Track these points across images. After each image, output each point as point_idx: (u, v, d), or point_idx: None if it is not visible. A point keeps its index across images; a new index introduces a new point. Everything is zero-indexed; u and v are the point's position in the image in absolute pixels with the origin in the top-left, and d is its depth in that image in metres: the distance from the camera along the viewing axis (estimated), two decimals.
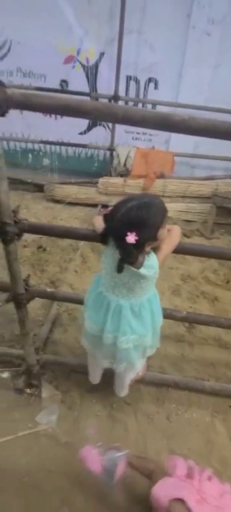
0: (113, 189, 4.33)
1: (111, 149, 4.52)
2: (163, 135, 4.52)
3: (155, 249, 1.28)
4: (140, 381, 1.88)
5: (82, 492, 1.50)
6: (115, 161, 4.51)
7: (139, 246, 1.12)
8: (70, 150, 4.82)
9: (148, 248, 1.20)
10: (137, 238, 1.07)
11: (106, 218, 1.21)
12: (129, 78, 4.25)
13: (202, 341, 2.26)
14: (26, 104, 0.98)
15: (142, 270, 1.22)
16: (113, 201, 4.24)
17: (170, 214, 4.05)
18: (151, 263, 1.23)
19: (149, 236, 1.15)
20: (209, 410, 1.82)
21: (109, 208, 1.23)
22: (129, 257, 1.15)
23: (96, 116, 0.98)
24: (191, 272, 2.98)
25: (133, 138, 4.64)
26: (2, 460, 1.60)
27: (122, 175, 4.48)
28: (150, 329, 1.42)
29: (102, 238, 1.27)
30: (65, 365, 2.02)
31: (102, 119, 0.98)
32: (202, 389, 1.88)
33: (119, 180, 4.34)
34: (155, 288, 1.43)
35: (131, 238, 1.07)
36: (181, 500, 1.01)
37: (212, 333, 2.26)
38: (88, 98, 4.18)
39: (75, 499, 1.48)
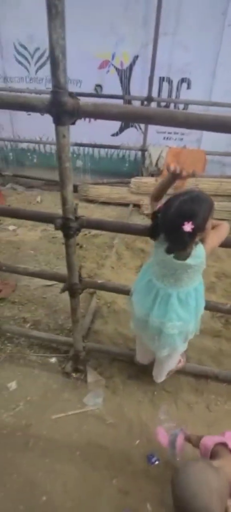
0: (145, 188, 4.43)
1: (143, 149, 4.62)
2: (195, 134, 4.56)
3: (202, 241, 1.36)
4: (179, 371, 1.98)
5: (129, 469, 1.63)
6: (147, 161, 4.61)
7: (192, 236, 1.22)
8: (103, 151, 4.98)
9: (197, 239, 1.29)
10: (193, 226, 1.17)
11: (156, 214, 1.32)
12: (161, 79, 4.33)
13: None
14: (95, 113, 1.12)
15: (189, 260, 1.32)
16: (144, 200, 4.34)
17: None
18: (198, 253, 1.32)
19: (200, 227, 1.23)
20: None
21: (159, 206, 1.34)
22: (183, 245, 1.26)
23: (158, 121, 1.10)
24: (226, 270, 3.02)
25: (164, 138, 4.71)
26: (57, 434, 1.77)
27: (153, 175, 4.58)
28: (194, 316, 1.53)
29: (152, 232, 1.39)
30: (108, 353, 2.16)
31: (164, 123, 1.07)
32: None
33: (150, 180, 4.44)
34: (201, 277, 1.53)
35: (188, 227, 1.16)
36: (224, 444, 1.13)
37: None
38: (121, 101, 4.31)
39: (123, 474, 1.61)
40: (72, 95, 1.04)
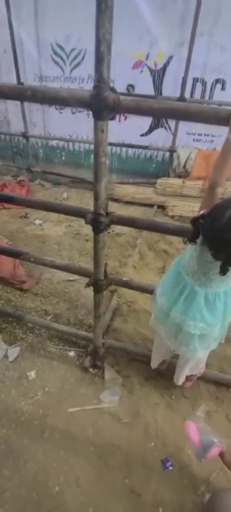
0: (171, 189, 4.38)
1: (172, 150, 4.56)
2: (225, 136, 4.40)
3: None
4: (199, 378, 1.93)
5: (143, 471, 1.61)
6: (175, 162, 4.55)
7: None
8: (130, 151, 4.97)
9: None
10: None
11: (199, 220, 1.21)
12: (195, 80, 4.25)
13: None
14: (135, 108, 1.11)
15: None
16: (170, 201, 4.28)
17: None
18: None
19: None
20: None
21: (202, 212, 1.22)
22: (229, 259, 1.15)
23: (199, 118, 1.08)
24: None
25: (194, 140, 4.62)
26: (72, 427, 1.79)
27: (180, 176, 4.51)
28: (220, 320, 1.45)
29: (193, 239, 1.27)
30: (126, 351, 2.15)
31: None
32: None
33: (177, 181, 4.37)
34: None
35: None
36: None
37: None
38: None
39: (136, 476, 1.59)
40: (114, 90, 1.05)
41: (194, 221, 1.24)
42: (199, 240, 1.26)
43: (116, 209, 4.48)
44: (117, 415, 1.85)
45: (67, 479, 1.57)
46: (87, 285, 1.70)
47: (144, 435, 1.76)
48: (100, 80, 1.02)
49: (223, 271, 1.18)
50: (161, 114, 1.13)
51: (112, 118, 1.11)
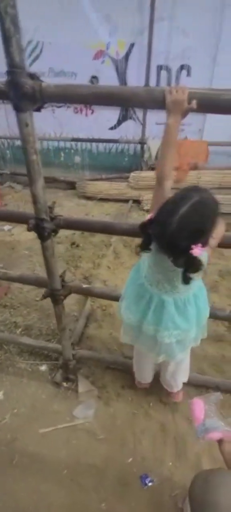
0: (145, 183, 4.26)
1: (142, 142, 4.44)
2: (196, 124, 4.35)
3: None
4: None
5: (120, 490, 1.49)
6: (146, 155, 4.43)
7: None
8: (101, 146, 4.81)
9: None
10: (202, 247, 0.96)
11: (149, 226, 1.06)
12: (159, 68, 4.10)
13: None
14: (62, 96, 0.96)
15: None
16: (144, 195, 4.17)
17: None
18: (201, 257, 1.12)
19: (208, 239, 1.03)
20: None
21: (149, 217, 1.08)
22: (195, 267, 0.99)
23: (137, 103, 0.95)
24: (230, 268, 2.84)
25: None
26: (43, 449, 1.64)
27: (153, 169, 4.39)
28: (194, 323, 1.35)
29: (145, 246, 1.12)
30: (101, 360, 2.02)
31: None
32: None
33: (150, 174, 4.26)
34: (201, 281, 1.36)
35: (198, 251, 0.94)
36: None
37: None
38: None
39: (113, 496, 1.46)
40: (34, 76, 0.89)
41: (142, 227, 1.09)
42: (153, 247, 1.12)
43: (90, 207, 4.33)
44: (92, 431, 1.71)
45: (38, 508, 1.43)
46: (43, 296, 1.54)
47: (121, 450, 1.64)
48: (12, 64, 0.86)
49: (185, 280, 1.05)
50: (93, 100, 0.97)
51: (39, 110, 0.95)
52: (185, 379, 1.71)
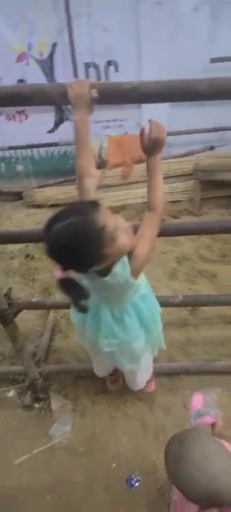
0: None
1: None
2: (134, 118, 4.40)
3: (130, 254, 1.05)
4: None
5: (107, 498, 1.46)
6: None
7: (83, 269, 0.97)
8: (42, 151, 4.65)
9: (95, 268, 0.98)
10: (62, 275, 0.90)
11: None
12: (87, 65, 4.06)
13: (206, 321, 2.23)
14: None
15: (107, 279, 1.04)
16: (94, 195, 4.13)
17: None
18: (119, 271, 1.03)
19: (84, 265, 0.95)
20: (225, 391, 1.79)
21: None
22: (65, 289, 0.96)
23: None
24: (185, 253, 2.95)
25: (103, 127, 4.48)
26: (23, 480, 1.54)
27: (99, 167, 4.36)
28: (138, 334, 1.29)
29: None
30: (70, 372, 1.96)
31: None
32: (214, 370, 1.85)
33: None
34: (144, 289, 1.29)
35: (58, 273, 0.90)
36: None
37: (216, 311, 2.23)
38: None
39: (101, 508, 1.43)
40: None
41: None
42: None
43: (41, 215, 4.15)
44: (71, 447, 1.66)
45: None
46: None
47: (104, 458, 1.60)
48: None
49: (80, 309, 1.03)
50: None
51: None
52: (147, 377, 1.66)
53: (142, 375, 1.58)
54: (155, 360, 1.92)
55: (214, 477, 0.80)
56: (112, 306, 1.22)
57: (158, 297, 1.72)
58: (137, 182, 4.08)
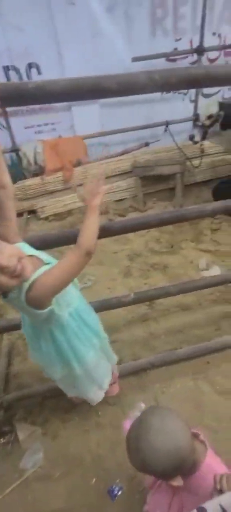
0: (33, 191, 4.04)
1: (15, 150, 4.17)
2: (67, 121, 4.34)
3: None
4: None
5: None
6: (24, 162, 4.17)
7: None
8: None
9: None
10: None
11: None
12: (6, 68, 3.86)
13: (165, 312, 2.31)
14: None
15: (6, 300, 1.02)
16: (38, 203, 3.97)
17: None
18: (12, 295, 1.00)
19: None
20: (190, 375, 1.87)
21: None
22: None
23: None
24: (136, 249, 3.00)
25: (35, 132, 4.33)
26: None
27: (37, 174, 4.19)
28: (54, 361, 1.29)
29: None
30: (34, 395, 1.83)
31: None
32: (177, 359, 1.92)
33: (36, 181, 4.05)
34: (68, 319, 1.22)
35: None
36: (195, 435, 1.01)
37: (172, 301, 2.31)
38: None
39: None
40: None
41: None
42: None
43: None
44: (46, 475, 1.56)
45: None
46: None
47: (82, 475, 1.54)
48: None
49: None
50: None
51: None
52: (104, 385, 1.54)
53: (87, 392, 1.49)
54: (120, 361, 1.94)
55: (172, 436, 0.84)
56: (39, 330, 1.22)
57: (110, 300, 1.73)
58: (81, 185, 4.03)
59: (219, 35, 4.38)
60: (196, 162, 3.89)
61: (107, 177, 4.07)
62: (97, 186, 1.10)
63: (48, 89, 0.95)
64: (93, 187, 1.10)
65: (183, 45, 4.24)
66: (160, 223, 1.49)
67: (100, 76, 0.98)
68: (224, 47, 4.27)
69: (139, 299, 1.78)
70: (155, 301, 2.34)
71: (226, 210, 1.52)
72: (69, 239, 1.29)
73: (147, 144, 4.42)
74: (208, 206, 1.50)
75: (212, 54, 4.38)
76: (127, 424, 1.19)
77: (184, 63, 4.36)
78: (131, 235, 3.10)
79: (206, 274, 2.58)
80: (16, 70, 3.89)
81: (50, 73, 3.91)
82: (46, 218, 3.86)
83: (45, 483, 1.53)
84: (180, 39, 4.25)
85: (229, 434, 1.58)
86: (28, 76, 3.95)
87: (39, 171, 4.13)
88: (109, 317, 2.16)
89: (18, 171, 4.29)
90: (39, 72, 3.97)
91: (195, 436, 0.98)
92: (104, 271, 2.68)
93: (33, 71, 3.94)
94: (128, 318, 2.27)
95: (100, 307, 1.67)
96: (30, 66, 3.90)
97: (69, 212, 3.82)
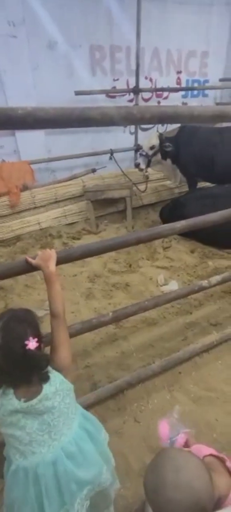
0: None
1: None
2: (10, 145, 4.22)
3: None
4: (95, 403, 1.74)
5: None
6: None
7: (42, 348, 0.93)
8: None
9: None
10: (36, 339, 0.88)
11: None
12: None
13: (133, 329, 2.30)
14: None
15: (49, 386, 0.94)
16: None
17: (49, 223, 3.85)
18: (54, 375, 0.97)
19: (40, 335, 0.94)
20: (165, 388, 1.88)
21: None
22: (44, 364, 0.93)
23: None
24: (96, 270, 2.97)
25: None
26: None
27: None
28: (99, 461, 1.07)
29: None
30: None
31: None
32: (152, 374, 1.92)
33: None
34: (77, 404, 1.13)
35: (32, 343, 0.87)
36: (215, 456, 0.98)
37: (137, 317, 2.32)
38: None
39: None
40: None
41: None
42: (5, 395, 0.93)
43: None
44: None
45: None
46: None
47: None
48: None
49: (43, 379, 0.94)
50: None
51: None
52: None
53: None
54: (96, 386, 1.86)
55: (189, 490, 0.79)
56: (63, 442, 0.98)
57: (90, 321, 1.69)
58: (29, 209, 3.87)
59: (151, 79, 4.94)
60: (141, 187, 4.11)
61: (57, 201, 4.01)
62: (48, 253, 1.16)
63: (38, 115, 0.99)
64: (45, 253, 1.17)
65: (121, 85, 4.67)
66: (138, 241, 1.62)
67: (86, 107, 1.06)
68: (157, 89, 4.90)
69: (118, 318, 1.77)
70: (121, 319, 2.32)
71: (191, 228, 1.74)
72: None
73: (93, 170, 4.52)
74: (177, 225, 1.68)
75: (146, 95, 4.91)
76: (163, 427, 1.15)
77: (123, 99, 4.79)
78: (88, 257, 3.05)
79: (165, 288, 2.68)
80: None
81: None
82: None
83: None
84: (117, 79, 4.66)
85: (208, 438, 1.62)
86: None
87: None
88: (77, 342, 2.07)
89: None
90: None
91: (222, 461, 0.95)
92: (66, 295, 2.56)
93: None
94: (97, 340, 2.19)
95: (82, 329, 1.62)
96: None
97: (18, 238, 3.60)
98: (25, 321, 0.92)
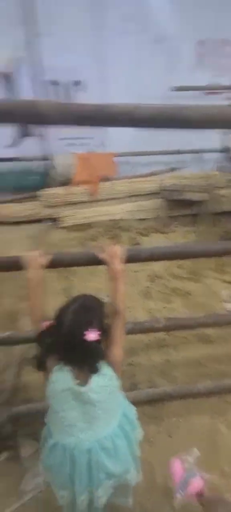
0: (56, 200, 4.07)
1: (47, 158, 4.25)
2: (98, 137, 4.44)
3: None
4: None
5: None
6: (53, 171, 4.24)
7: (99, 343, 0.96)
8: (2, 165, 4.40)
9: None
10: (98, 332, 0.93)
11: (43, 338, 1.01)
12: (53, 83, 4.09)
13: (183, 340, 2.17)
14: None
15: (98, 379, 0.98)
16: (59, 212, 3.97)
17: (121, 216, 3.94)
18: (105, 370, 1.00)
19: (100, 325, 0.98)
20: (208, 413, 1.72)
21: (44, 326, 1.02)
22: (97, 357, 0.97)
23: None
24: (157, 271, 2.90)
25: (67, 145, 4.42)
26: None
27: (63, 184, 4.23)
28: (130, 460, 1.12)
29: (40, 362, 1.02)
30: (41, 412, 1.72)
31: None
32: (197, 393, 1.77)
33: (61, 190, 4.09)
34: (122, 400, 1.17)
35: (91, 335, 0.92)
36: None
37: (191, 330, 2.18)
38: None
39: None
40: None
41: (39, 338, 1.02)
42: (58, 377, 0.99)
43: (4, 233, 3.82)
44: (47, 501, 1.42)
45: None
46: None
47: None
48: None
49: (93, 370, 0.97)
50: None
51: None
52: None
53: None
54: (136, 386, 1.81)
55: None
56: (100, 435, 1.03)
57: (142, 323, 1.65)
58: (103, 200, 4.02)
59: None
60: (222, 192, 3.81)
61: (132, 195, 4.06)
62: (116, 249, 1.17)
63: (106, 111, 1.01)
64: (112, 249, 1.18)
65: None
66: (206, 254, 1.54)
67: (182, 105, 1.05)
68: None
69: (170, 327, 1.71)
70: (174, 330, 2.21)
71: None
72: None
73: (173, 169, 4.42)
74: None
75: None
76: (176, 465, 1.09)
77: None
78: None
79: (230, 306, 2.44)
80: (62, 86, 4.12)
81: (95, 92, 4.10)
82: (66, 228, 3.84)
83: (46, 509, 1.40)
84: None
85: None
86: (70, 93, 4.21)
87: (65, 182, 4.17)
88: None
89: (42, 179, 4.38)
90: (83, 90, 4.21)
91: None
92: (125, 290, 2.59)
93: (77, 88, 4.21)
94: (145, 341, 2.14)
95: (133, 329, 1.60)
96: (75, 83, 4.18)
97: (89, 225, 3.79)
98: (93, 310, 0.99)
